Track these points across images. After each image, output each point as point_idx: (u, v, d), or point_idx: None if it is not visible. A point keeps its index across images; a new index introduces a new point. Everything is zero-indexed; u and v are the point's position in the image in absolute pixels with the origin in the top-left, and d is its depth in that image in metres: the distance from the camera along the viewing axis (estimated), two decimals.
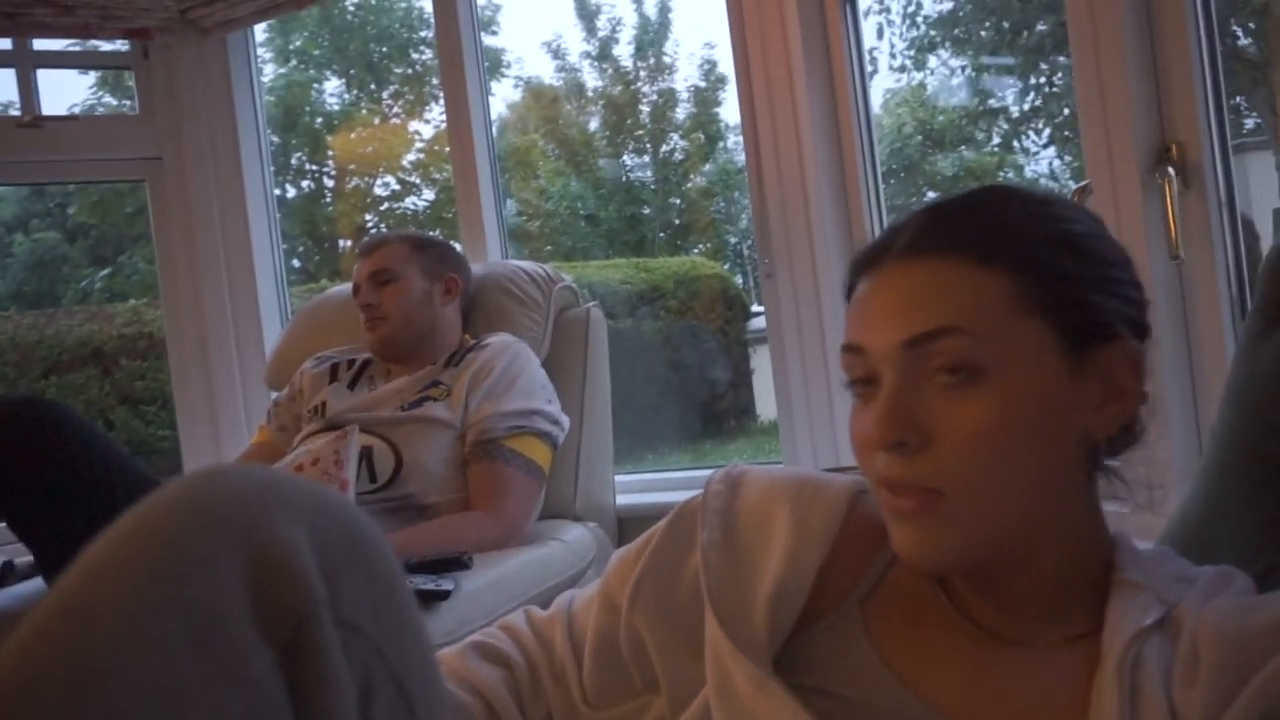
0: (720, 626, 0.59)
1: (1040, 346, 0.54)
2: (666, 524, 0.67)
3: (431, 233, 1.84)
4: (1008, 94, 3.33)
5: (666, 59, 4.62)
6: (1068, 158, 3.28)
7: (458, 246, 1.92)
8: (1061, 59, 3.09)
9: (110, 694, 0.40)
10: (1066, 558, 0.58)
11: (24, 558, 1.70)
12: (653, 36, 4.59)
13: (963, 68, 3.43)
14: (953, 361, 0.53)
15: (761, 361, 4.05)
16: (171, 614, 0.42)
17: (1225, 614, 0.53)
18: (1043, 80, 3.25)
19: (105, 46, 2.37)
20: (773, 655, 0.59)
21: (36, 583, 1.54)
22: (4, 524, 1.48)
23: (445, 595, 1.17)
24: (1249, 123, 2.35)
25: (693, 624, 0.63)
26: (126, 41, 2.28)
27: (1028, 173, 3.53)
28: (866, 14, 1.87)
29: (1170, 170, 1.27)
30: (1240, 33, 2.22)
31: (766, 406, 4.00)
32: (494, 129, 2.29)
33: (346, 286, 1.88)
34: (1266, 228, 1.99)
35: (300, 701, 0.43)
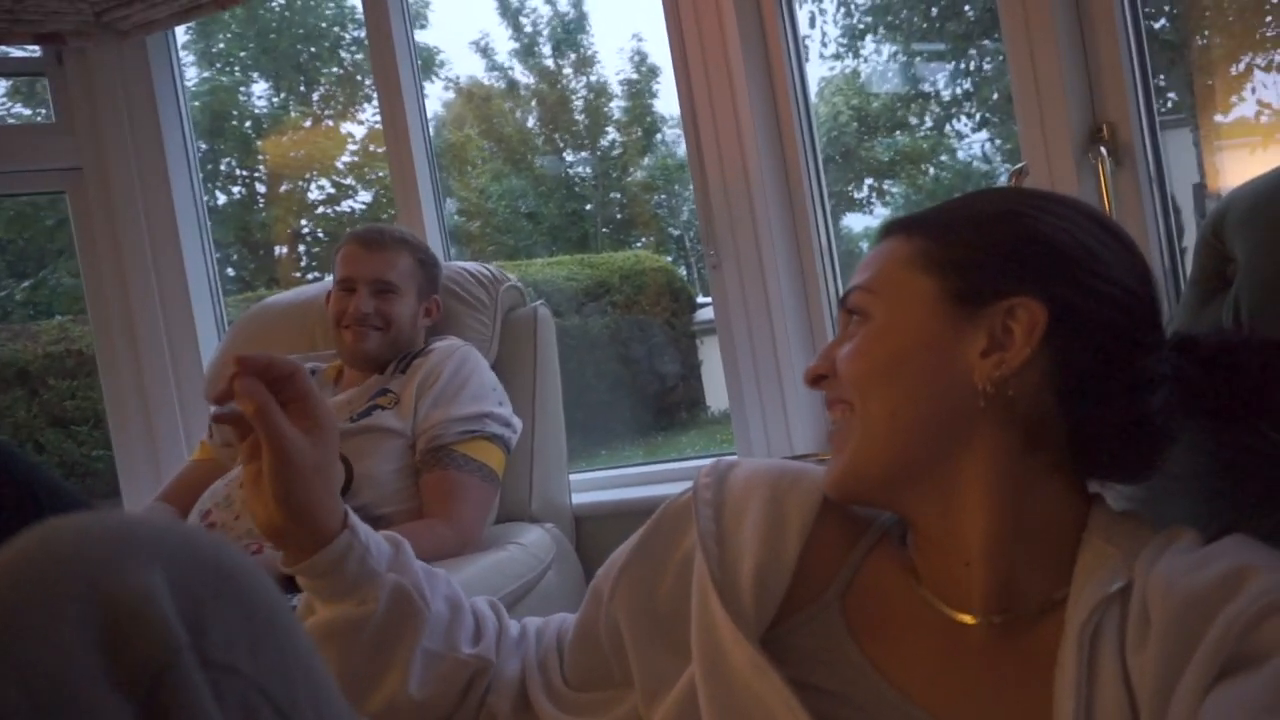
0: (724, 608, 0.60)
1: (925, 297, 0.62)
2: (653, 520, 0.69)
3: None
4: (939, 79, 3.38)
5: (588, 53, 4.59)
6: (999, 141, 3.35)
7: None
8: (988, 43, 3.15)
9: None
10: (1004, 520, 0.58)
11: None
12: (570, 31, 4.56)
13: (895, 54, 3.48)
14: (855, 310, 0.65)
15: (709, 353, 4.06)
16: (8, 686, 0.39)
17: (1172, 573, 0.53)
18: (972, 65, 3.31)
19: (15, 53, 2.27)
20: (758, 642, 0.59)
21: None
22: None
23: None
24: (1168, 102, 2.43)
25: (672, 615, 0.64)
26: (38, 47, 2.18)
27: (960, 156, 3.60)
28: (801, 1, 1.87)
29: (1103, 150, 1.30)
30: (1156, 14, 2.28)
31: (716, 398, 4.01)
32: (430, 127, 2.25)
33: (286, 294, 1.83)
34: (1187, 202, 2.06)
35: None
